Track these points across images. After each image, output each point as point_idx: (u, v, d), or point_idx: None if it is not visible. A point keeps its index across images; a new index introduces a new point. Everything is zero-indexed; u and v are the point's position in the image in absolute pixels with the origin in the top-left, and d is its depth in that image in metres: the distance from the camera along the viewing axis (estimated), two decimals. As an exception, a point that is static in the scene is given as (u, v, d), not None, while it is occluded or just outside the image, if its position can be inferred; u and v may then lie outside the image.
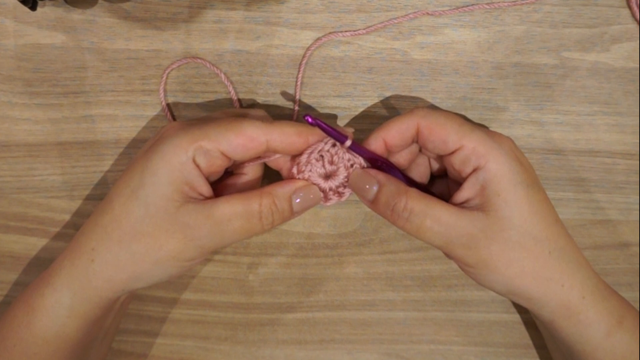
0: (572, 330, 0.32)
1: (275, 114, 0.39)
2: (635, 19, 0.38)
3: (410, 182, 0.34)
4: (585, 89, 0.39)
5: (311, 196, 0.32)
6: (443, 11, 0.37)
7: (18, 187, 0.39)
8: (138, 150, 0.39)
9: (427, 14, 0.38)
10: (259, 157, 0.33)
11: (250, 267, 0.40)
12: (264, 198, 0.31)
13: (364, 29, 0.38)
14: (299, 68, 0.38)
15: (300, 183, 0.32)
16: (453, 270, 0.40)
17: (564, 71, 0.38)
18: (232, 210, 0.30)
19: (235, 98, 0.38)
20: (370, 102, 0.39)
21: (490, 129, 0.39)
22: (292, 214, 0.32)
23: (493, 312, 0.41)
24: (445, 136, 0.31)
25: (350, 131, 0.33)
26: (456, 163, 0.31)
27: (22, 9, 0.37)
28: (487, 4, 0.37)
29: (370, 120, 0.39)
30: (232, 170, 0.35)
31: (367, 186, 0.32)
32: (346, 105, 0.39)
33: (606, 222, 0.40)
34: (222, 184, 0.34)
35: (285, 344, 0.41)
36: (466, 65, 0.38)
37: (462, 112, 0.39)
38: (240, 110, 0.37)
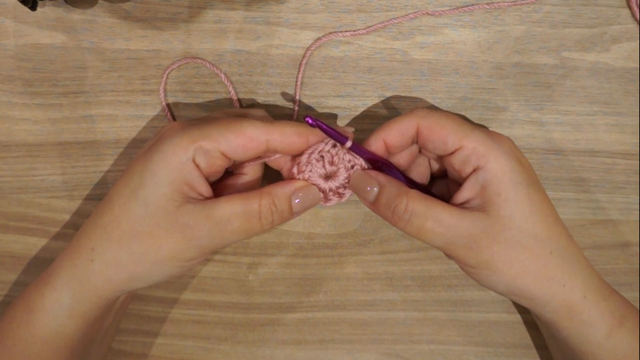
0: (573, 330, 0.32)
1: (275, 114, 0.39)
2: (635, 19, 0.38)
3: (411, 183, 0.34)
4: (585, 89, 0.39)
5: (311, 197, 0.32)
6: (443, 11, 0.37)
7: (18, 187, 0.39)
8: (138, 150, 0.39)
9: (427, 14, 0.38)
10: (259, 157, 0.33)
11: (250, 267, 0.40)
12: (264, 198, 0.31)
13: (364, 29, 0.38)
14: (299, 68, 0.38)
15: (299, 183, 0.32)
16: (453, 270, 0.40)
17: (564, 71, 0.38)
18: (231, 210, 0.30)
19: (235, 98, 0.38)
20: (370, 102, 0.39)
21: (490, 129, 0.39)
22: (292, 214, 0.32)
23: (493, 312, 0.41)
24: (445, 136, 0.31)
25: (350, 131, 0.33)
26: (456, 163, 0.31)
27: (22, 9, 0.37)
28: (487, 4, 0.37)
29: (370, 120, 0.39)
30: (232, 170, 0.35)
31: (368, 188, 0.32)
32: (346, 105, 0.39)
33: (606, 222, 0.40)
34: (222, 184, 0.34)
35: (285, 344, 0.41)
36: (466, 65, 0.38)
37: (462, 112, 0.39)
38: (240, 110, 0.37)
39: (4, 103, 0.38)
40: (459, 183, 0.32)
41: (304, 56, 0.38)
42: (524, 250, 0.30)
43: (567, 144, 0.39)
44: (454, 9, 0.37)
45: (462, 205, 0.31)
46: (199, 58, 0.38)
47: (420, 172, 0.35)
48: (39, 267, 0.40)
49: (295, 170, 0.33)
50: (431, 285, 0.41)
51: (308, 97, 0.39)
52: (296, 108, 0.38)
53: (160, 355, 0.41)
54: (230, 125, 0.30)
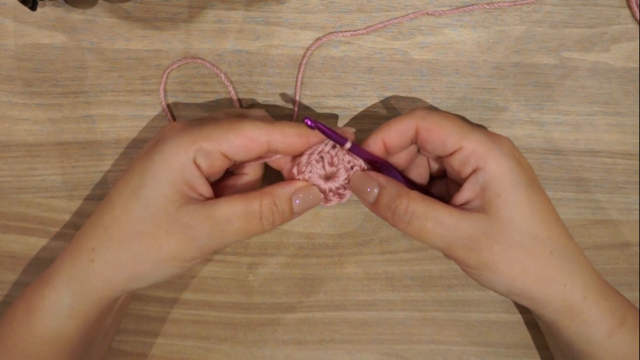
0: (574, 330, 0.32)
1: (275, 114, 0.39)
2: (635, 19, 0.38)
3: (410, 184, 0.34)
4: (585, 89, 0.39)
5: (311, 197, 0.32)
6: (443, 11, 0.37)
7: (18, 187, 0.39)
8: (138, 150, 0.39)
9: (427, 14, 0.38)
10: (259, 158, 0.33)
11: (250, 267, 0.40)
12: (265, 198, 0.31)
13: (364, 29, 0.38)
14: (299, 68, 0.38)
15: (300, 184, 0.32)
16: (453, 270, 0.40)
17: (564, 71, 0.38)
18: (232, 211, 0.30)
19: (235, 98, 0.38)
20: (370, 102, 0.39)
21: (490, 129, 0.39)
22: (293, 214, 0.32)
23: (493, 312, 0.41)
24: (445, 137, 0.31)
25: (351, 131, 0.33)
26: (455, 164, 0.31)
27: (22, 9, 0.37)
28: (487, 4, 0.37)
29: (370, 120, 0.39)
30: (232, 170, 0.35)
31: (368, 189, 0.32)
32: (346, 105, 0.39)
33: (606, 222, 0.40)
34: (222, 184, 0.34)
35: (285, 344, 0.41)
36: (466, 65, 0.38)
37: (462, 112, 0.39)
38: (241, 110, 0.37)
39: (4, 103, 0.38)
40: (458, 183, 0.32)
41: (304, 56, 0.38)
42: (524, 251, 0.30)
43: (567, 144, 0.39)
44: (454, 9, 0.37)
45: (462, 207, 0.31)
46: (199, 58, 0.38)
47: (420, 173, 0.35)
48: (39, 267, 0.40)
49: (295, 170, 0.33)
50: (431, 285, 0.40)
51: (308, 97, 0.39)
52: (296, 109, 0.38)
53: (160, 355, 0.41)
54: (231, 126, 0.30)
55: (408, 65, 0.38)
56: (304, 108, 0.39)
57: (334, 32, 0.38)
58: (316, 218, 0.40)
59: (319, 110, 0.39)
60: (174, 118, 0.39)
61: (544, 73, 0.38)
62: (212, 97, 0.39)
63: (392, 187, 0.32)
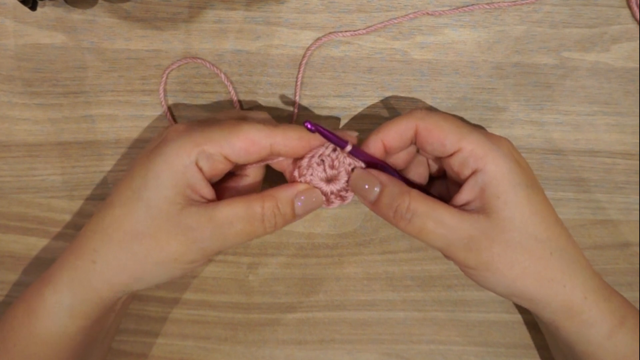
0: (574, 331, 0.32)
1: (276, 114, 0.39)
2: (635, 19, 0.38)
3: (410, 185, 0.34)
4: (585, 89, 0.39)
5: (313, 199, 0.32)
6: (443, 11, 0.37)
7: (18, 187, 0.39)
8: (138, 150, 0.39)
9: (427, 14, 0.38)
10: (261, 160, 0.33)
11: (250, 267, 0.40)
12: (267, 201, 0.31)
13: (364, 29, 0.38)
14: (299, 68, 0.38)
15: (302, 186, 0.32)
16: (453, 270, 0.40)
17: (564, 71, 0.38)
18: (234, 213, 0.30)
19: (235, 99, 0.38)
20: (370, 102, 0.39)
21: (490, 129, 0.39)
22: (295, 217, 0.32)
23: (493, 312, 0.41)
24: (444, 138, 0.31)
25: (354, 135, 0.33)
26: (455, 165, 0.31)
27: (22, 9, 0.37)
28: (487, 4, 0.37)
29: (370, 120, 0.39)
30: (234, 171, 0.35)
31: (369, 187, 0.32)
32: (346, 105, 0.39)
33: (606, 222, 0.40)
34: (223, 185, 0.34)
35: (285, 344, 0.41)
36: (466, 65, 0.38)
37: (462, 112, 0.39)
38: (243, 112, 0.37)
39: (4, 103, 0.38)
40: (458, 184, 0.32)
41: (304, 56, 0.38)
42: (524, 252, 0.30)
43: (567, 144, 0.39)
44: (454, 9, 0.37)
45: (461, 208, 0.31)
46: (199, 58, 0.38)
47: (419, 173, 0.35)
48: (39, 267, 0.40)
49: (296, 173, 0.33)
50: (431, 285, 0.41)
51: (308, 97, 0.39)
52: (296, 109, 0.38)
53: (160, 355, 0.41)
54: (233, 129, 0.30)
55: (408, 65, 0.38)
56: (304, 108, 0.39)
57: (334, 32, 0.38)
58: (316, 218, 0.40)
59: (319, 111, 0.39)
60: (174, 118, 0.39)
61: (544, 73, 0.38)
62: (212, 97, 0.39)
63: (394, 186, 0.32)
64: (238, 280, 0.40)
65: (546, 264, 0.31)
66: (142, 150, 0.34)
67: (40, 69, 0.38)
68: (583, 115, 0.39)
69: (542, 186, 0.33)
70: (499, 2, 0.37)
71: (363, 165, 0.33)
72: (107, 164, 0.39)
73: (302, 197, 0.32)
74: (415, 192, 0.31)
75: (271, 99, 0.39)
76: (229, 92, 0.38)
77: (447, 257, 0.32)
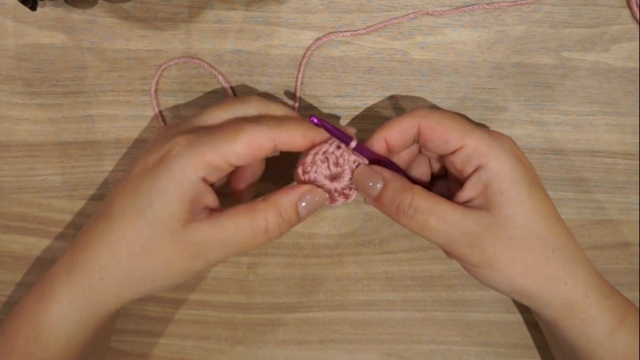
0: (574, 329, 0.32)
1: (275, 114, 0.39)
2: (635, 19, 0.38)
3: (413, 182, 0.34)
4: (585, 89, 0.39)
5: (316, 199, 0.32)
6: (443, 11, 0.37)
7: (18, 187, 0.39)
8: (138, 150, 0.39)
9: (427, 14, 0.38)
10: (266, 156, 0.33)
11: (250, 267, 0.40)
12: (269, 211, 0.30)
13: (364, 29, 0.38)
14: (299, 68, 0.38)
15: (304, 188, 0.32)
16: (453, 270, 0.40)
17: (564, 71, 0.38)
18: (237, 227, 0.30)
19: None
20: (370, 102, 0.39)
21: (491, 129, 0.39)
22: (299, 220, 0.32)
23: (493, 312, 0.41)
24: (447, 136, 0.31)
25: (352, 131, 0.33)
26: (458, 162, 0.31)
27: (22, 9, 0.37)
28: (487, 4, 0.37)
29: (371, 120, 0.39)
30: None
31: (372, 183, 0.32)
32: (346, 105, 0.39)
33: (606, 222, 0.40)
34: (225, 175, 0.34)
35: (285, 344, 0.41)
36: (466, 65, 0.38)
37: (462, 112, 0.39)
38: (238, 104, 0.34)
39: (4, 103, 0.38)
40: (459, 182, 0.32)
41: (304, 56, 0.38)
42: (525, 249, 0.30)
43: (567, 144, 0.39)
44: (454, 9, 0.37)
45: (464, 204, 0.31)
46: (196, 58, 0.38)
47: (421, 172, 0.35)
48: (39, 267, 0.40)
49: (300, 170, 0.33)
50: (431, 285, 0.40)
51: (308, 97, 0.39)
52: (296, 109, 0.38)
53: (160, 355, 0.41)
54: (237, 135, 0.30)
55: (408, 65, 0.38)
56: (304, 108, 0.39)
57: (334, 32, 0.38)
58: (316, 218, 0.40)
59: (318, 111, 0.39)
60: (163, 119, 0.39)
61: (544, 73, 0.38)
62: (212, 97, 0.39)
63: (396, 182, 0.32)
64: (238, 280, 0.40)
65: (547, 261, 0.31)
66: (139, 153, 0.33)
67: (40, 69, 0.38)
68: (583, 115, 0.39)
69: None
70: (499, 2, 0.37)
71: (367, 162, 0.33)
72: (107, 164, 0.39)
73: (306, 198, 0.32)
74: (418, 188, 0.31)
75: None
76: (229, 93, 0.38)
77: (449, 254, 0.32)
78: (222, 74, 0.38)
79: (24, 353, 0.31)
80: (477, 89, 0.39)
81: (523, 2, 0.37)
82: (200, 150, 0.30)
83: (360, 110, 0.39)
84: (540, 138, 0.39)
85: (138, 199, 0.30)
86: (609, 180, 0.39)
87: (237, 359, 0.41)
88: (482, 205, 0.31)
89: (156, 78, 0.38)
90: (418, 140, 0.33)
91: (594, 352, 0.32)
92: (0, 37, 0.38)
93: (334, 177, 0.33)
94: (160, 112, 0.39)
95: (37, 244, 0.40)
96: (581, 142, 0.39)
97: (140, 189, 0.30)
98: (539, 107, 0.39)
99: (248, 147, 0.30)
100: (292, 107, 0.39)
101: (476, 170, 0.31)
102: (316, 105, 0.39)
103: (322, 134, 0.32)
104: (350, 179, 0.33)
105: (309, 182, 0.33)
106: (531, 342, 0.41)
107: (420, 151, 0.35)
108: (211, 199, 0.31)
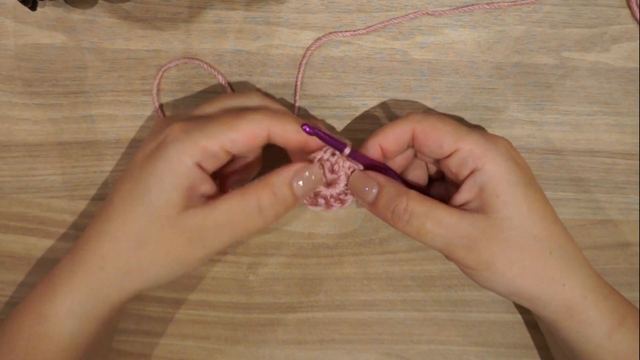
0: (573, 330, 0.32)
1: (275, 114, 0.39)
2: (635, 19, 0.38)
3: (409, 187, 0.34)
4: (585, 89, 0.39)
5: (313, 177, 0.31)
6: (443, 11, 0.37)
7: (18, 187, 0.39)
8: (137, 150, 0.39)
9: (427, 14, 0.38)
10: (263, 145, 0.33)
11: (250, 267, 0.40)
12: (262, 192, 0.30)
13: (364, 29, 0.38)
14: (299, 68, 0.38)
15: (297, 165, 0.31)
16: (453, 270, 0.40)
17: (564, 71, 0.38)
18: (230, 210, 0.30)
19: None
20: (370, 102, 0.39)
21: (490, 129, 0.39)
22: (296, 199, 0.31)
23: (493, 312, 0.41)
24: (441, 140, 0.31)
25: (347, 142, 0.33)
26: (453, 166, 0.31)
27: (22, 9, 0.37)
28: (487, 4, 0.37)
29: (371, 120, 0.39)
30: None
31: (367, 188, 0.32)
32: (346, 105, 0.39)
33: (606, 222, 0.40)
34: (225, 168, 0.34)
35: (285, 344, 0.41)
36: (466, 65, 0.38)
37: (462, 113, 0.39)
38: (237, 99, 0.35)
39: (4, 103, 0.38)
40: (456, 185, 0.32)
41: (304, 56, 0.38)
42: (523, 251, 0.30)
43: (567, 144, 0.39)
44: (454, 9, 0.37)
45: (460, 208, 0.31)
46: (196, 58, 0.38)
47: (418, 175, 0.35)
48: (39, 267, 0.40)
49: None
50: (431, 285, 0.41)
51: (308, 97, 0.39)
52: (296, 110, 0.38)
53: (160, 355, 0.41)
54: (233, 124, 0.30)
55: (408, 65, 0.38)
56: (304, 108, 0.39)
57: (334, 32, 0.38)
58: (316, 218, 0.40)
59: (319, 111, 0.39)
60: (163, 115, 0.39)
61: (544, 73, 0.38)
62: (212, 97, 0.38)
63: (391, 187, 0.32)
64: (238, 280, 0.40)
65: (545, 262, 0.31)
66: (138, 149, 0.34)
67: (40, 69, 0.38)
68: (583, 115, 0.39)
69: (542, 186, 0.33)
70: (499, 2, 0.37)
71: (362, 168, 0.33)
72: (107, 164, 0.39)
73: (303, 175, 0.31)
74: (413, 193, 0.31)
75: (271, 99, 0.39)
76: (228, 92, 0.38)
77: (447, 257, 0.32)
78: (222, 74, 0.38)
79: (28, 349, 0.31)
80: (477, 89, 0.39)
81: (523, 2, 0.37)
82: (195, 136, 0.30)
83: (360, 110, 0.39)
84: (540, 138, 0.39)
85: (135, 188, 0.30)
86: (609, 180, 0.39)
87: (237, 359, 0.41)
88: (478, 208, 0.31)
89: (157, 79, 0.38)
90: (413, 145, 0.33)
91: (594, 353, 0.32)
92: (0, 37, 0.38)
93: (329, 184, 0.33)
94: (162, 109, 0.38)
95: (37, 244, 0.40)
96: (581, 142, 0.39)
97: (138, 177, 0.31)
98: (539, 107, 0.39)
99: (243, 135, 0.30)
100: (292, 107, 0.39)
101: (471, 173, 0.31)
102: (316, 105, 0.39)
103: (317, 140, 0.32)
104: (346, 184, 0.33)
105: None
106: (531, 342, 0.41)
107: (415, 156, 0.35)
108: (208, 187, 0.31)
